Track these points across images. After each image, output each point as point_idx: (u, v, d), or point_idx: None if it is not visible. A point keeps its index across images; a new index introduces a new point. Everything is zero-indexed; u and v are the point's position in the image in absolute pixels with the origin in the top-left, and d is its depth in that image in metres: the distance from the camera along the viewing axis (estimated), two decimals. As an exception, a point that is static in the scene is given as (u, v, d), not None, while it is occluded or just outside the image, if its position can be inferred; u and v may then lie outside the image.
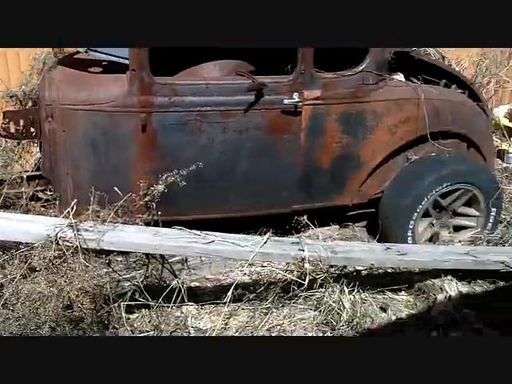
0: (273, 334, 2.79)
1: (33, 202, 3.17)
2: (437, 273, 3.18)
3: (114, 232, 2.67)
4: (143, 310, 2.83)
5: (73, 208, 2.63)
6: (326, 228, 3.75)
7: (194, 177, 3.03)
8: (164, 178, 2.74)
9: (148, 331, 2.74)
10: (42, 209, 3.15)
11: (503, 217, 3.73)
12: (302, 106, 3.08)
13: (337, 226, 3.82)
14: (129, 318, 2.76)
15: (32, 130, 3.05)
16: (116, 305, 2.67)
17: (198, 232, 2.76)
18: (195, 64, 3.19)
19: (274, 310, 2.95)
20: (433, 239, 3.56)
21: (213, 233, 2.78)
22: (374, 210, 3.63)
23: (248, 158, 3.16)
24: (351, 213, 3.69)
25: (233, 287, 2.73)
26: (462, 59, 4.77)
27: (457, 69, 4.58)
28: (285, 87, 3.04)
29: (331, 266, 3.08)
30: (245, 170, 3.18)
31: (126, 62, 2.91)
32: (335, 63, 3.17)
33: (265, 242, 2.77)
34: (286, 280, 2.90)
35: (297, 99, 3.05)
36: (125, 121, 2.94)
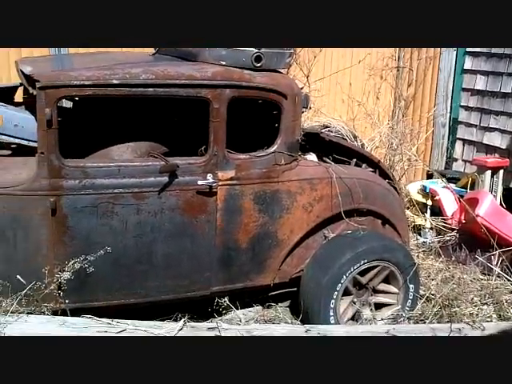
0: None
1: None
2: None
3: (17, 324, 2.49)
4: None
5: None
6: (248, 309, 3.66)
7: (109, 261, 2.93)
8: (71, 264, 2.62)
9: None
10: None
11: (422, 292, 3.76)
12: (217, 186, 3.09)
13: (260, 307, 3.74)
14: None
15: None
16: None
17: (109, 320, 2.61)
18: (107, 146, 3.16)
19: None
20: (355, 318, 3.54)
21: (124, 321, 2.63)
22: (296, 289, 3.61)
23: (165, 240, 3.08)
24: (273, 293, 3.64)
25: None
26: (373, 137, 5.03)
27: (369, 148, 4.81)
28: (199, 168, 3.05)
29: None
30: (163, 252, 3.09)
31: (35, 144, 2.85)
32: (248, 145, 3.25)
33: (180, 329, 2.65)
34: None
35: (211, 180, 3.06)
36: (34, 205, 2.82)
